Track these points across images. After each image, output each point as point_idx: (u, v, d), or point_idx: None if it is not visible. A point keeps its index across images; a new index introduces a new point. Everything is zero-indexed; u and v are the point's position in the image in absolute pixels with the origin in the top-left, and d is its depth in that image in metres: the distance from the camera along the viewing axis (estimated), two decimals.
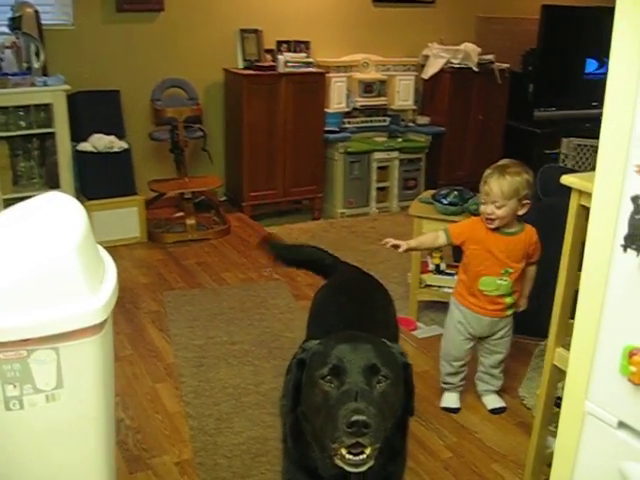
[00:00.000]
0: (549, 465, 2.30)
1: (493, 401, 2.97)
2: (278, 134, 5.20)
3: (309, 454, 1.66)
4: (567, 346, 2.10)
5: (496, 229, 2.74)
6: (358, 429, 1.41)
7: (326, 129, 5.42)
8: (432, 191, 4.09)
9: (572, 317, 2.08)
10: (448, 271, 3.96)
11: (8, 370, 1.47)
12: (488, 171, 2.73)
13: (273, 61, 5.17)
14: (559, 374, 2.14)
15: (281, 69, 5.06)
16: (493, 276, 2.77)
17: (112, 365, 1.71)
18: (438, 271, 3.96)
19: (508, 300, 2.82)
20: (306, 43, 5.36)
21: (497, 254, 2.75)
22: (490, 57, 5.80)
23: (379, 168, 5.68)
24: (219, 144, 5.37)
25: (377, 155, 5.61)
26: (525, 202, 2.70)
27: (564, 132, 5.73)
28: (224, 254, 4.56)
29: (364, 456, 1.46)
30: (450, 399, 2.97)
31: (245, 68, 5.12)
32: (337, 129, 5.49)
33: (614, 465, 1.37)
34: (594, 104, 6.30)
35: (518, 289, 2.83)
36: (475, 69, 5.75)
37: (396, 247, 2.89)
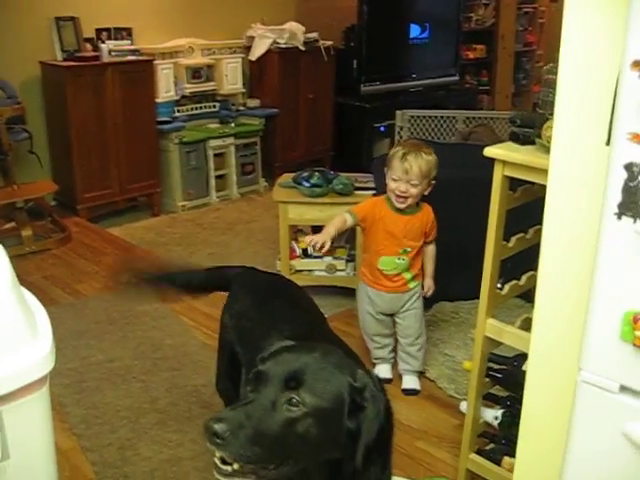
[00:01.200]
0: (480, 436, 2.34)
1: (408, 381, 2.95)
2: (108, 129, 4.85)
3: None
4: (495, 317, 2.13)
5: (396, 209, 2.76)
6: (209, 436, 1.26)
7: (158, 120, 5.13)
8: (289, 175, 4.01)
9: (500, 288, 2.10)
10: (316, 254, 3.91)
11: None
12: (401, 149, 2.73)
13: (95, 50, 4.79)
14: (490, 344, 2.15)
15: (105, 58, 4.70)
16: (392, 256, 2.79)
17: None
18: (306, 255, 3.90)
19: (407, 275, 2.84)
20: (128, 30, 5.01)
21: (396, 234, 2.76)
22: (315, 35, 5.79)
23: (215, 156, 5.49)
24: (43, 144, 4.90)
25: (212, 142, 5.41)
26: (432, 182, 2.77)
27: (391, 105, 5.87)
28: (71, 264, 4.18)
29: (229, 469, 1.29)
30: (382, 370, 2.96)
31: (65, 60, 4.68)
32: (169, 119, 5.22)
33: (615, 429, 1.37)
34: (413, 75, 6.55)
35: (416, 264, 2.86)
36: (302, 48, 5.71)
37: (321, 246, 2.70)
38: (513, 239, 2.10)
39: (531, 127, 1.92)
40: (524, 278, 2.18)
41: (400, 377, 2.98)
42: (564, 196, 1.55)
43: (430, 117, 5.25)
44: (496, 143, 4.73)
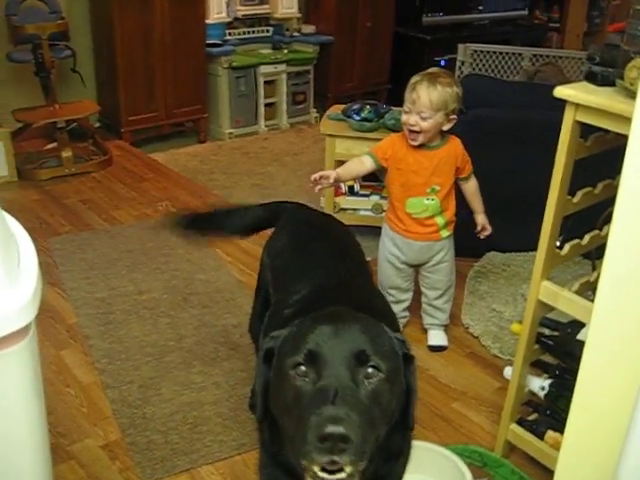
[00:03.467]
0: (524, 404, 2.15)
1: (434, 337, 2.75)
2: (155, 50, 4.64)
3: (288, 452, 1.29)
4: (551, 279, 1.91)
5: (419, 145, 2.49)
6: (333, 444, 1.07)
7: (208, 42, 4.90)
8: (340, 106, 3.77)
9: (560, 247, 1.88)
10: (362, 192, 3.71)
11: None
12: (416, 78, 2.44)
13: None
14: (543, 309, 1.94)
15: None
16: (419, 196, 2.53)
17: (39, 371, 1.30)
18: (352, 193, 3.71)
19: (440, 220, 2.58)
20: None
21: (421, 172, 2.50)
22: None
23: (266, 83, 5.26)
24: (88, 64, 4.73)
25: (263, 69, 5.18)
26: (452, 117, 2.46)
27: (453, 38, 5.52)
28: (110, 189, 4.05)
29: (343, 475, 1.11)
30: None
31: None
32: (219, 41, 4.98)
33: None
34: (480, 8, 6.15)
35: (449, 207, 2.59)
36: None
37: (325, 178, 2.52)
38: (579, 193, 1.85)
39: (612, 66, 1.65)
40: (587, 237, 1.94)
41: (425, 332, 2.79)
42: None
43: (494, 53, 4.93)
44: (564, 84, 4.37)
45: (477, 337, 2.77)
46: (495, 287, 3.08)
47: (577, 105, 1.66)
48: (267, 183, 4.41)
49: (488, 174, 3.20)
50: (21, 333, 1.10)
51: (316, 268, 1.73)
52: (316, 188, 2.55)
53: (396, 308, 2.66)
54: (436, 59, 5.76)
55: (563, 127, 1.71)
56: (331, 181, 2.52)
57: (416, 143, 2.46)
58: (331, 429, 1.06)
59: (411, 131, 2.44)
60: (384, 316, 1.48)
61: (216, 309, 2.92)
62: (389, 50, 5.86)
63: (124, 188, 4.05)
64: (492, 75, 4.78)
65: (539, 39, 6.57)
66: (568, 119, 1.69)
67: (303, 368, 1.18)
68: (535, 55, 4.89)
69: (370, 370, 1.18)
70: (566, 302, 1.83)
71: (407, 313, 2.78)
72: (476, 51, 4.90)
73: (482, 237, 2.68)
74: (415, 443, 1.99)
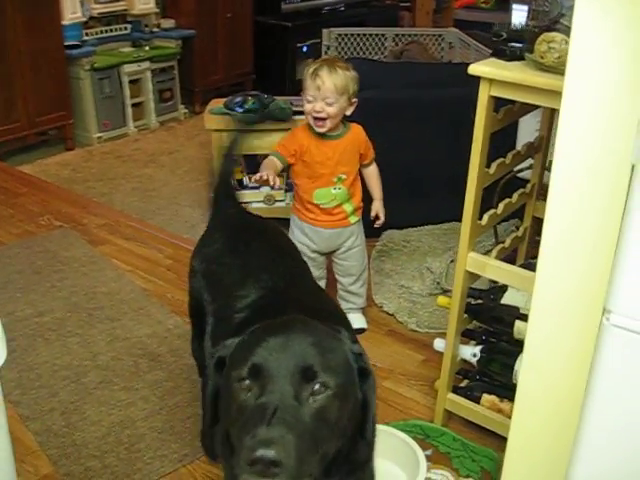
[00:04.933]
0: (457, 373, 2.22)
1: (354, 320, 2.71)
2: (11, 58, 4.36)
3: None
4: (480, 246, 1.98)
5: (320, 135, 2.49)
6: (265, 468, 1.01)
7: (65, 44, 4.67)
8: (220, 100, 3.73)
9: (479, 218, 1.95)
10: (252, 184, 3.67)
11: None
12: (314, 65, 2.45)
13: None
14: (470, 279, 2.01)
15: None
16: (327, 187, 2.55)
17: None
18: (242, 186, 3.67)
19: (348, 207, 2.61)
20: None
21: (326, 162, 2.51)
22: None
23: (131, 82, 5.07)
24: None
25: (127, 68, 4.98)
26: (354, 100, 2.50)
27: (313, 24, 5.58)
28: None
29: None
30: None
31: None
32: (78, 42, 4.76)
33: None
34: None
35: (355, 193, 2.62)
36: None
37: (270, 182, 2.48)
38: (494, 165, 1.93)
39: (518, 42, 1.73)
40: (501, 206, 2.04)
41: None
42: (579, 117, 1.38)
43: (358, 35, 5.01)
44: (430, 60, 4.54)
45: (392, 314, 2.83)
46: (399, 264, 3.16)
47: (491, 80, 1.72)
48: (147, 185, 4.29)
49: (379, 154, 3.28)
50: None
51: (260, 271, 1.67)
52: (275, 186, 2.57)
53: None
54: (298, 45, 5.81)
55: (479, 102, 1.77)
56: (276, 184, 2.50)
57: (324, 129, 2.46)
58: (261, 452, 1.01)
59: (317, 118, 2.44)
60: (339, 321, 1.44)
61: (126, 321, 2.81)
62: (251, 40, 5.82)
63: None
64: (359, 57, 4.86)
65: (392, 19, 6.74)
66: (483, 94, 1.75)
67: (247, 382, 1.13)
68: (397, 35, 5.01)
69: (317, 387, 1.13)
70: (493, 270, 1.92)
71: None
72: (340, 35, 4.96)
73: (376, 226, 2.70)
74: None
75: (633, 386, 1.28)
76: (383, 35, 5.04)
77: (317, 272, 2.67)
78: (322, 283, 2.72)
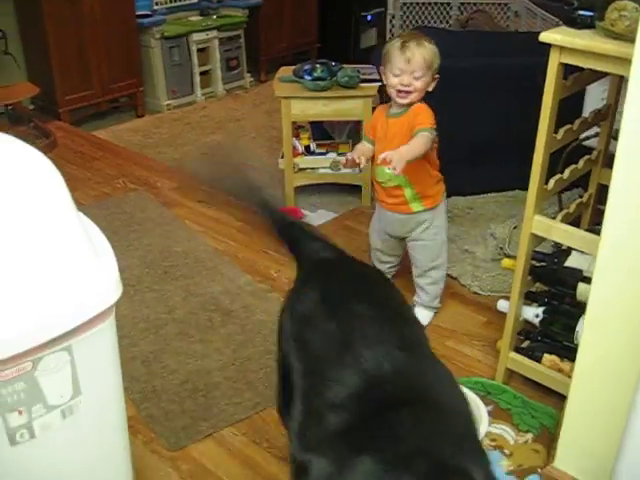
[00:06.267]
0: (519, 334, 2.30)
1: (416, 313, 2.61)
2: (86, 26, 4.52)
3: None
4: (544, 213, 2.05)
5: (389, 114, 2.49)
6: None
7: (137, 14, 4.82)
8: (288, 68, 3.80)
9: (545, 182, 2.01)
10: (319, 150, 3.77)
11: (8, 394, 1.08)
12: (400, 40, 2.41)
13: None
14: (536, 242, 2.08)
15: None
16: (383, 165, 2.43)
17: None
18: (309, 152, 3.76)
19: (408, 193, 2.50)
20: None
21: (383, 139, 2.49)
22: None
23: (199, 50, 5.21)
24: (17, 44, 4.58)
25: (195, 37, 5.11)
26: (436, 76, 2.46)
27: None
28: (62, 171, 3.94)
29: None
30: None
31: None
32: (149, 12, 4.91)
33: None
34: None
35: (418, 180, 2.47)
36: None
37: (356, 163, 2.50)
38: (561, 131, 1.98)
39: (590, 10, 1.77)
40: (567, 172, 2.09)
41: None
42: None
43: (423, 4, 5.03)
44: (496, 29, 4.55)
45: (456, 278, 2.91)
46: (463, 230, 3.22)
47: (562, 48, 1.77)
48: (216, 152, 4.42)
49: (444, 123, 3.33)
50: (110, 310, 1.15)
51: (364, 345, 1.33)
52: (362, 165, 2.50)
53: (381, 267, 2.67)
54: (363, 14, 5.84)
55: (549, 70, 1.82)
56: (362, 163, 2.47)
57: (406, 101, 2.41)
58: None
59: (401, 91, 2.40)
60: (470, 450, 1.16)
61: (199, 278, 2.96)
62: (316, 9, 5.88)
63: (77, 169, 3.99)
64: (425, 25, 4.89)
65: None
66: (553, 62, 1.80)
67: None
68: (462, 4, 5.01)
69: None
70: (559, 233, 1.98)
71: (393, 272, 2.75)
72: (405, 3, 5.00)
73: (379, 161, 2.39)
74: None
75: None
76: (449, 4, 5.05)
77: (389, 251, 2.69)
78: (394, 260, 2.72)
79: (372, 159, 2.54)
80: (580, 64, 1.78)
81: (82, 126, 4.68)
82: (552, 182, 2.04)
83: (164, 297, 2.84)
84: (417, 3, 5.00)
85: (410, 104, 2.42)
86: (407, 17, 5.02)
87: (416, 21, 5.03)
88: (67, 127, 4.56)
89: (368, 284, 1.62)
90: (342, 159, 2.51)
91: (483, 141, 3.35)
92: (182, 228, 3.36)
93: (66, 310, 1.10)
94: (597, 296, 1.69)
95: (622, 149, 1.53)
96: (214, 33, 5.23)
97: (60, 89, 4.54)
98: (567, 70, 1.88)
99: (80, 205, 3.50)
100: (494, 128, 3.30)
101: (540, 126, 1.88)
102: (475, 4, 5.00)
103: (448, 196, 3.42)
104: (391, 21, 5.05)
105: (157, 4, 5.03)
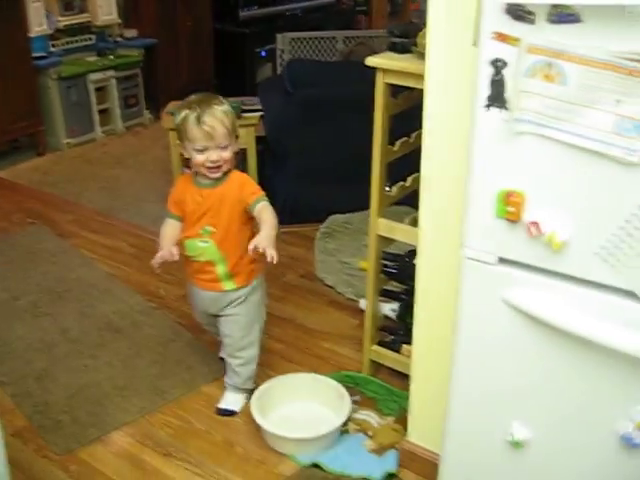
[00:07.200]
0: (381, 330, 2.55)
1: (225, 398, 2.48)
2: None
3: None
4: (385, 216, 2.31)
5: (197, 183, 2.24)
6: None
7: (33, 55, 4.96)
8: (177, 102, 4.00)
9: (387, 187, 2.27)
10: None
11: None
12: (191, 112, 2.13)
13: None
14: (383, 243, 2.34)
15: None
16: (194, 238, 2.25)
17: None
18: None
19: (220, 270, 2.28)
20: None
21: (196, 210, 2.23)
22: None
23: (97, 90, 5.38)
24: None
25: (93, 76, 5.29)
26: (237, 137, 2.25)
27: (271, 29, 5.89)
28: None
29: None
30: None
31: None
32: (45, 54, 5.06)
33: (496, 296, 1.57)
34: None
35: (232, 257, 2.27)
36: None
37: (167, 257, 2.25)
38: (398, 143, 2.26)
39: (407, 37, 2.06)
40: (409, 179, 2.36)
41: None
42: (439, 94, 1.72)
43: (310, 39, 5.35)
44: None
45: (332, 287, 3.15)
46: (341, 244, 3.48)
47: (384, 70, 2.05)
48: (114, 185, 4.59)
49: (318, 146, 3.61)
50: None
51: None
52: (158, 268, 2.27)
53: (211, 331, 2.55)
54: (257, 50, 6.13)
55: (376, 89, 2.10)
56: (175, 257, 2.24)
57: (219, 174, 2.20)
58: None
59: (212, 168, 2.17)
60: None
61: (92, 301, 3.11)
62: (211, 46, 6.15)
63: None
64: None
65: (349, 22, 7.08)
66: (379, 82, 2.09)
67: None
68: (347, 37, 5.37)
69: None
70: (401, 232, 2.25)
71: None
72: (293, 39, 5.31)
73: (268, 260, 2.11)
74: (299, 375, 2.37)
75: (485, 307, 1.61)
76: (334, 38, 5.39)
77: (209, 324, 2.51)
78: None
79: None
80: (400, 83, 2.06)
81: None
82: (394, 189, 2.31)
83: (58, 320, 2.98)
84: (304, 38, 5.32)
85: (225, 173, 2.22)
86: (295, 51, 5.32)
87: (304, 55, 5.34)
88: None
89: None
90: (154, 263, 2.25)
91: (355, 161, 3.63)
92: (78, 256, 3.51)
93: None
94: (420, 281, 1.95)
95: (424, 151, 1.81)
96: (111, 72, 5.42)
97: None
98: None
99: None
100: (363, 148, 3.59)
101: (374, 139, 2.15)
102: (358, 37, 5.35)
103: (328, 214, 3.71)
104: (281, 56, 5.34)
105: (54, 46, 5.18)
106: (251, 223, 2.27)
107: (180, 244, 2.28)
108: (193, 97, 2.23)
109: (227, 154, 2.17)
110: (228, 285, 2.30)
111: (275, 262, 2.09)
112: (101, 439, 2.32)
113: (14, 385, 2.58)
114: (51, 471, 2.20)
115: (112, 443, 2.31)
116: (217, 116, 2.13)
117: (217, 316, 2.39)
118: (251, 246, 2.11)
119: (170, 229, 2.31)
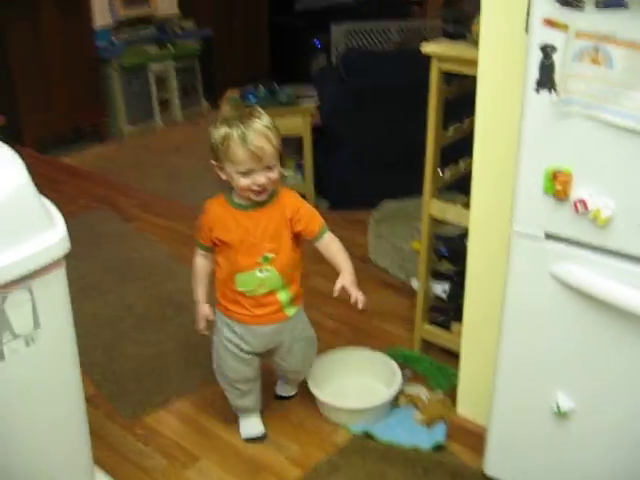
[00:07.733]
0: (432, 310, 2.63)
1: (282, 388, 2.50)
2: (49, 61, 4.88)
3: None
4: (438, 198, 2.39)
5: (238, 205, 2.02)
6: None
7: (97, 46, 5.17)
8: (236, 90, 4.17)
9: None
10: None
11: None
12: (233, 130, 1.88)
13: None
14: (435, 224, 2.42)
15: None
16: (250, 270, 2.04)
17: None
18: None
19: (283, 297, 2.10)
20: None
21: (245, 237, 2.01)
22: None
23: (157, 80, 5.58)
24: None
25: (153, 67, 5.51)
26: (280, 150, 1.98)
27: (326, 20, 5.98)
28: None
29: None
30: (249, 426, 2.32)
31: None
32: (108, 45, 5.26)
33: (544, 270, 1.65)
34: None
35: (293, 279, 2.11)
36: None
37: (208, 317, 2.20)
38: (451, 128, 2.34)
39: (460, 23, 2.14)
40: (462, 163, 2.44)
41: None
42: (492, 80, 1.80)
43: (364, 29, 5.42)
44: None
45: (385, 269, 3.25)
46: (394, 229, 3.57)
47: (439, 57, 2.14)
48: (174, 171, 4.76)
49: (371, 133, 3.70)
50: (62, 260, 1.48)
51: None
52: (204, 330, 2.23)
53: (247, 401, 2.28)
54: (311, 41, 6.22)
55: (431, 75, 2.18)
56: (211, 317, 2.19)
57: (265, 196, 1.98)
58: None
59: (257, 192, 1.95)
60: None
61: (155, 279, 3.27)
62: (267, 38, 6.28)
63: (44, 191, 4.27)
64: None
65: (404, 13, 7.12)
66: (434, 69, 2.17)
67: None
68: (402, 27, 5.43)
69: None
70: (453, 213, 2.33)
71: (259, 397, 2.31)
72: (348, 30, 5.39)
73: (360, 307, 2.10)
74: (353, 350, 2.42)
75: (533, 281, 1.69)
76: (388, 29, 5.45)
77: (252, 373, 2.23)
78: (258, 385, 2.28)
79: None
80: (455, 70, 2.14)
81: (49, 153, 4.99)
82: (447, 172, 2.39)
83: (123, 297, 3.14)
84: (359, 29, 5.39)
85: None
86: (350, 42, 5.41)
87: (359, 46, 5.42)
88: (34, 154, 4.85)
89: None
90: (202, 329, 2.22)
91: (412, 148, 3.71)
92: (140, 238, 3.68)
93: (25, 257, 1.42)
94: (472, 261, 2.04)
95: (476, 142, 1.89)
96: (171, 63, 5.60)
97: (25, 119, 4.86)
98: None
99: None
100: (417, 136, 3.66)
101: (429, 124, 2.24)
102: (412, 27, 5.41)
103: (379, 200, 3.80)
104: (336, 46, 5.43)
105: (116, 37, 5.38)
106: (300, 237, 2.09)
107: (223, 281, 2.10)
108: (228, 110, 2.04)
109: (274, 175, 1.94)
110: (290, 311, 2.14)
111: (361, 307, 2.03)
112: (165, 406, 2.47)
113: (84, 355, 2.67)
114: (121, 434, 2.35)
115: (176, 410, 2.45)
116: (262, 133, 1.88)
117: (271, 352, 2.22)
118: (338, 286, 2.03)
119: (203, 269, 2.16)
